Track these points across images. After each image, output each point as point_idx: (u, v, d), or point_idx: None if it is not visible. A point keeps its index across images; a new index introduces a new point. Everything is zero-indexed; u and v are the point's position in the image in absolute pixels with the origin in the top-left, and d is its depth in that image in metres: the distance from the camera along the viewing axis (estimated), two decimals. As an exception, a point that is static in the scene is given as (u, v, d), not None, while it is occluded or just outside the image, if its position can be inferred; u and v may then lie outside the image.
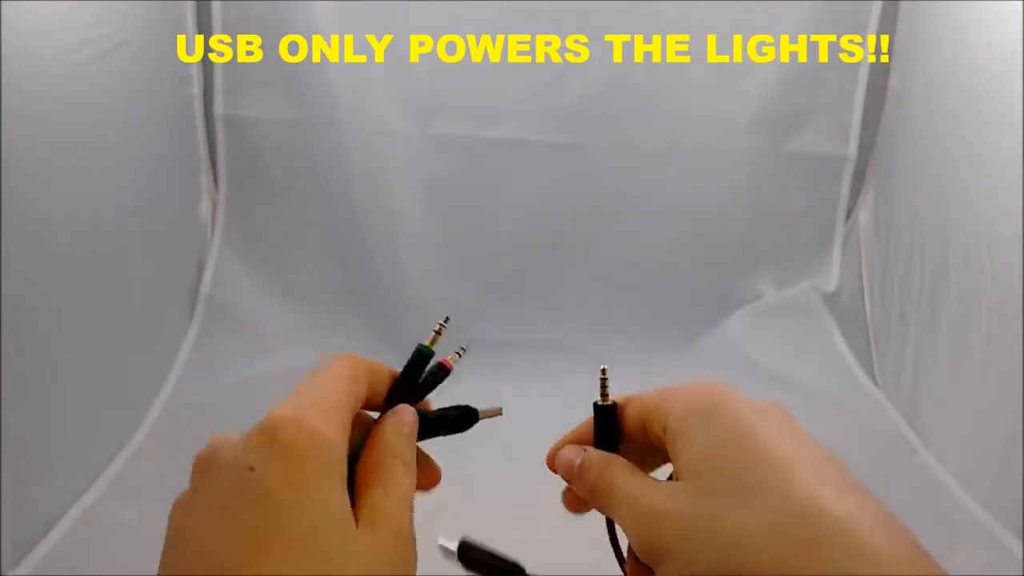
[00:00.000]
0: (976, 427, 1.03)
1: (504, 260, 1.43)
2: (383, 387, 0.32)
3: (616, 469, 0.30)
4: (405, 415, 0.30)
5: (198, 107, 1.31)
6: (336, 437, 0.25)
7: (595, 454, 0.32)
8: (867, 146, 1.41)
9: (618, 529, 0.31)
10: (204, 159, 1.36)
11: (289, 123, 1.35)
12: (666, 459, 0.30)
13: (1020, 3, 0.97)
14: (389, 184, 1.38)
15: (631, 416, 0.32)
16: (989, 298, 1.02)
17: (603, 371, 0.33)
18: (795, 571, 0.23)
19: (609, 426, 0.33)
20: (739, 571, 0.24)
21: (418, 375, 0.33)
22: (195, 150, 1.33)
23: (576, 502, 0.33)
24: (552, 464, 0.33)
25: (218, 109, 1.35)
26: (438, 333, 0.34)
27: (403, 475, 0.28)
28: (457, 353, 0.34)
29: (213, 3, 1.29)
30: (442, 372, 0.34)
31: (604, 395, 0.33)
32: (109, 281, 1.01)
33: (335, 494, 0.24)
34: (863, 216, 1.43)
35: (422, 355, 0.33)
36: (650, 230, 1.43)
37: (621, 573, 0.32)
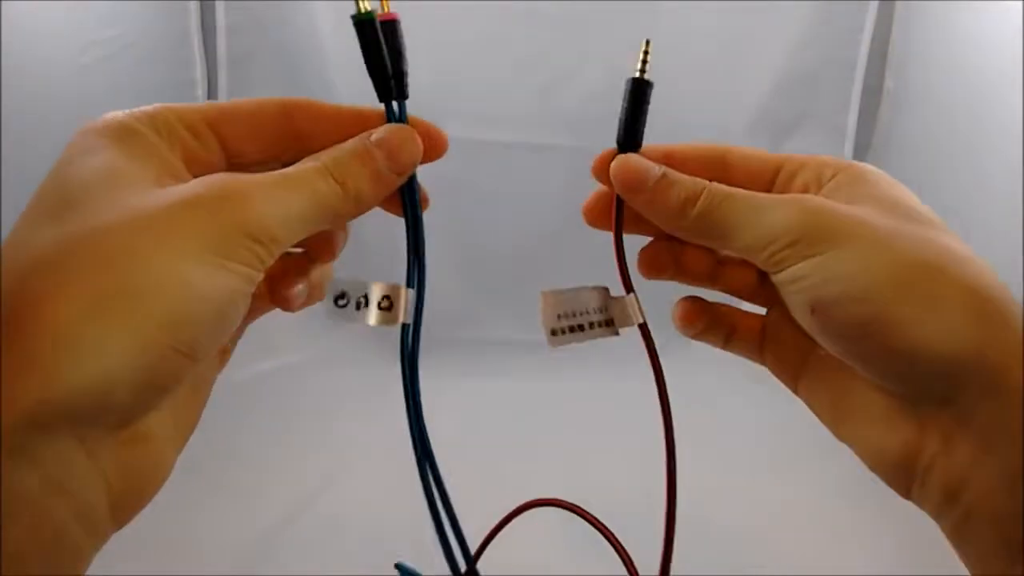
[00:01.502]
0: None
1: (504, 261, 1.43)
2: (315, 114, 0.31)
3: (724, 186, 0.30)
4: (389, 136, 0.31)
5: (200, 108, 1.32)
6: (119, 118, 0.28)
7: (682, 175, 0.30)
8: (863, 147, 1.42)
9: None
10: (206, 160, 1.36)
11: (290, 124, 1.36)
12: None
13: (1020, 3, 0.98)
14: (389, 185, 1.38)
15: (755, 156, 0.32)
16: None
17: (647, 42, 0.29)
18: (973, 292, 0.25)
19: (642, 110, 0.29)
20: (921, 278, 0.25)
21: (379, 48, 0.30)
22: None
23: (601, 213, 0.32)
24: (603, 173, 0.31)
25: (220, 110, 1.35)
26: None
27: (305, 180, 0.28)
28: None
29: (216, 4, 1.29)
30: (391, 26, 0.30)
31: (643, 70, 0.29)
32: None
33: (105, 160, 0.27)
34: (860, 216, 1.44)
35: (365, 22, 0.29)
36: (650, 231, 1.44)
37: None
